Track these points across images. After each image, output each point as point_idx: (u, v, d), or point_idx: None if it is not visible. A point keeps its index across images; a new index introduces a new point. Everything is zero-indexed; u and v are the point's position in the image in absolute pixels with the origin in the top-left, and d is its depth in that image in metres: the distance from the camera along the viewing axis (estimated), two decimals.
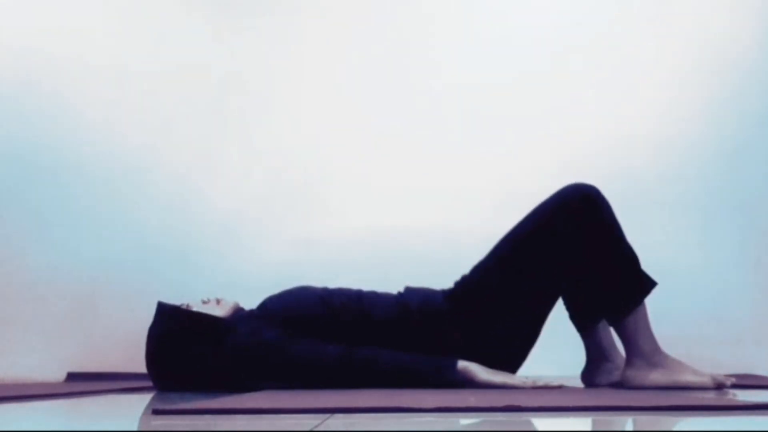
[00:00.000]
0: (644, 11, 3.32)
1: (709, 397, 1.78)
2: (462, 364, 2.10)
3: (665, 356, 2.14)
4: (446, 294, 2.26)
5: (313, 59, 3.29)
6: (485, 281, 2.22)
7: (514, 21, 3.33)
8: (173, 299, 2.37)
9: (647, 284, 2.14)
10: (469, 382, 2.09)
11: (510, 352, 2.22)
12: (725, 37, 3.28)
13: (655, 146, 3.23)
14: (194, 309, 2.33)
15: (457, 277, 2.28)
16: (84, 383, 2.65)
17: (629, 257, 2.15)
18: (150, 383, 2.35)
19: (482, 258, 2.26)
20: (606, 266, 2.14)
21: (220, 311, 2.31)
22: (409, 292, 2.30)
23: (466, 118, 3.25)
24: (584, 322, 2.32)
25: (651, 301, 2.16)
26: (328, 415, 1.35)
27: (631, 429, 1.30)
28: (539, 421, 1.35)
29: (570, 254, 2.16)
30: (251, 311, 2.32)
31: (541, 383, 2.07)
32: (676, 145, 3.23)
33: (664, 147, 3.23)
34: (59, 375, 2.96)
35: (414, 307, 2.23)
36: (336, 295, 2.27)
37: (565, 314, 2.35)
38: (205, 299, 2.36)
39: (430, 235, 3.13)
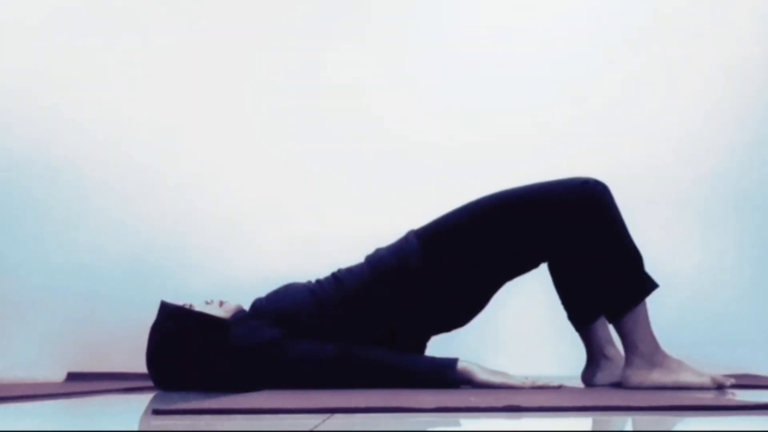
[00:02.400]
0: (649, 11, 3.31)
1: (709, 397, 1.79)
2: (461, 364, 2.11)
3: (665, 356, 2.14)
4: (419, 234, 2.26)
5: (313, 60, 3.28)
6: (465, 229, 2.21)
7: (516, 19, 3.33)
8: (173, 299, 2.38)
9: (649, 285, 2.14)
10: (468, 382, 2.10)
11: (462, 307, 2.25)
12: (728, 37, 3.28)
13: (655, 146, 3.23)
14: (197, 309, 2.33)
15: None
16: (84, 383, 2.65)
17: (634, 257, 2.15)
18: (150, 383, 2.35)
19: (465, 204, 2.25)
20: (610, 262, 2.14)
21: (222, 313, 2.32)
22: (378, 251, 2.32)
23: (466, 119, 3.24)
24: (582, 319, 2.32)
25: (651, 301, 2.16)
26: (328, 415, 1.35)
27: (631, 429, 1.30)
28: (539, 421, 1.35)
29: (568, 242, 2.16)
30: (249, 312, 2.33)
31: (540, 383, 2.07)
32: (676, 145, 3.23)
33: (663, 146, 3.23)
34: (59, 375, 2.97)
35: (385, 263, 2.24)
36: (318, 285, 2.29)
37: (565, 314, 2.36)
38: (209, 300, 2.37)
39: None
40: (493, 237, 2.19)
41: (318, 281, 2.33)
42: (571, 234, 2.15)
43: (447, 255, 2.20)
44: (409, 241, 2.25)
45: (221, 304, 2.35)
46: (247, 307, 2.37)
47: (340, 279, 2.28)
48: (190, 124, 3.24)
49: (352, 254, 3.08)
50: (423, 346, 2.33)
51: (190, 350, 2.27)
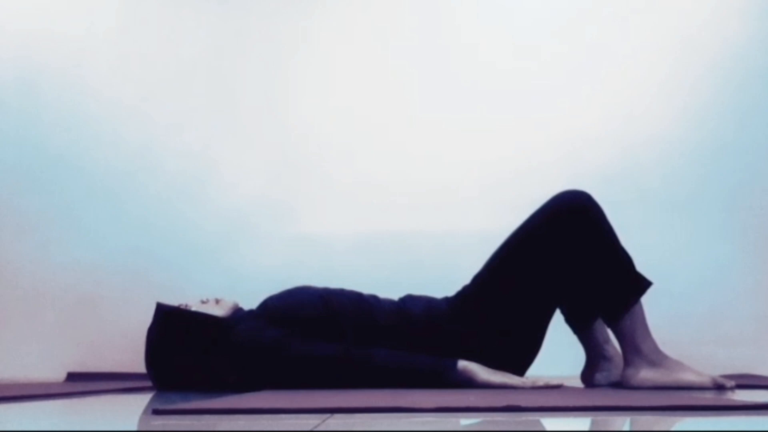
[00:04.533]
0: (638, 12, 3.31)
1: (709, 397, 1.79)
2: (462, 364, 2.11)
3: (665, 356, 2.14)
4: (450, 301, 2.27)
5: (314, 59, 3.28)
6: (486, 289, 2.24)
7: (511, 20, 3.33)
8: (173, 299, 2.37)
9: (642, 284, 2.15)
10: (468, 382, 2.09)
11: (514, 359, 2.23)
12: (728, 37, 3.28)
13: (654, 146, 3.23)
14: (193, 309, 2.33)
15: (458, 281, 2.29)
16: (84, 383, 2.65)
17: (623, 259, 2.16)
18: (150, 383, 2.34)
19: (482, 266, 2.28)
20: (601, 268, 2.16)
21: (219, 311, 2.31)
22: (411, 299, 2.31)
23: (465, 119, 3.24)
24: (579, 324, 2.33)
25: (651, 302, 2.16)
26: (328, 415, 1.35)
27: (631, 429, 1.30)
28: (539, 421, 1.35)
29: (565, 259, 2.17)
30: (251, 311, 2.33)
31: (540, 383, 2.07)
32: (675, 146, 3.23)
33: (663, 147, 3.23)
34: (59, 375, 2.97)
35: (416, 315, 2.24)
36: (336, 296, 2.28)
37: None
38: (204, 299, 2.36)
39: (430, 237, 3.12)
40: (517, 283, 2.20)
41: (342, 291, 2.31)
42: (564, 246, 2.16)
43: (476, 316, 2.21)
44: (440, 303, 2.28)
45: (217, 301, 2.35)
46: (243, 304, 2.37)
47: (365, 301, 2.27)
48: (191, 123, 3.25)
49: (354, 254, 3.10)
50: None
51: (187, 351, 2.26)
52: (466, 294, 2.27)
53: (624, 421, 1.37)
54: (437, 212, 3.16)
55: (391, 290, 2.34)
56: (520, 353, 2.24)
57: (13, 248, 3.14)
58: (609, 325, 2.20)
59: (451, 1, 3.37)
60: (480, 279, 2.27)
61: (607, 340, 2.34)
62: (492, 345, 2.20)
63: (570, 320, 2.34)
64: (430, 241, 3.11)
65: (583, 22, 3.31)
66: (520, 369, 2.25)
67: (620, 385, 2.19)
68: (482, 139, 3.22)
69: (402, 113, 3.25)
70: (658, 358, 2.13)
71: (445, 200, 3.18)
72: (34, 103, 3.22)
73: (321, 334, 2.21)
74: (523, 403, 1.47)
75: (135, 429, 1.37)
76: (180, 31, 3.29)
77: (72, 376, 2.94)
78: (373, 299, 2.30)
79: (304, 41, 3.30)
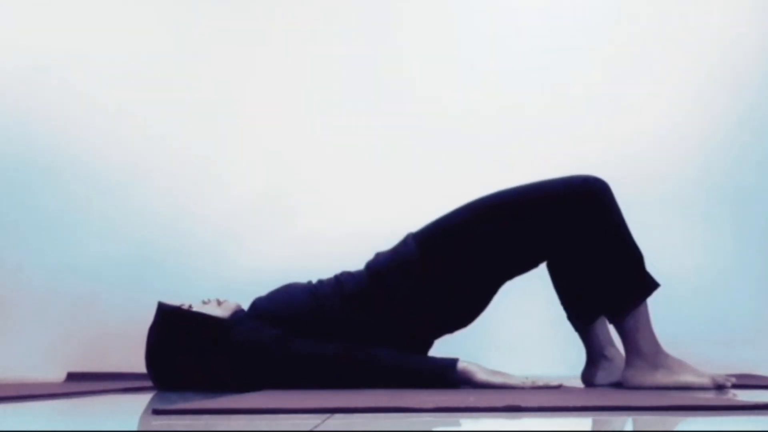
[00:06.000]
0: (644, 10, 3.32)
1: (709, 397, 1.79)
2: (462, 364, 2.11)
3: (666, 356, 2.14)
4: (417, 236, 2.25)
5: (314, 58, 3.28)
6: (463, 230, 2.20)
7: (516, 16, 3.33)
8: (173, 299, 2.37)
9: (650, 285, 2.14)
10: (468, 382, 2.10)
11: (463, 309, 2.24)
12: (728, 35, 3.28)
13: (656, 146, 3.23)
14: (195, 309, 2.33)
15: None
16: (84, 383, 2.65)
17: (635, 255, 2.14)
18: (150, 383, 2.35)
19: (463, 205, 2.25)
20: (611, 261, 2.14)
21: (220, 312, 2.32)
22: (377, 256, 2.31)
23: (464, 119, 3.24)
24: (582, 319, 2.32)
25: (651, 302, 2.16)
26: (328, 415, 1.35)
27: (631, 429, 1.30)
28: (539, 421, 1.35)
29: (567, 241, 2.16)
30: (248, 312, 2.33)
31: (540, 383, 2.07)
32: (677, 145, 3.23)
33: (664, 147, 3.23)
34: (59, 375, 2.96)
35: (384, 269, 2.24)
36: (320, 288, 2.29)
37: (565, 314, 2.35)
38: (206, 300, 2.37)
39: None
40: (492, 237, 2.18)
41: (320, 282, 2.32)
42: (571, 232, 2.15)
43: (446, 257, 2.19)
44: (407, 244, 2.25)
45: (219, 303, 2.35)
46: (244, 305, 2.37)
47: (341, 281, 2.28)
48: (189, 123, 3.25)
49: (354, 253, 3.09)
50: (426, 349, 2.32)
51: (187, 350, 2.26)
52: (442, 231, 2.23)
53: (625, 421, 1.37)
54: (437, 212, 3.15)
55: None
56: (469, 307, 2.24)
57: (13, 248, 3.14)
58: (612, 322, 2.20)
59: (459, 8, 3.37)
60: (463, 220, 2.22)
61: (610, 341, 2.34)
62: (450, 291, 2.19)
63: (572, 317, 2.33)
64: None
65: (585, 21, 3.31)
66: (460, 323, 2.27)
67: (620, 385, 2.19)
68: (482, 139, 3.22)
69: (403, 112, 3.25)
70: (659, 359, 2.12)
71: (445, 200, 3.17)
72: (33, 104, 3.22)
73: (314, 327, 2.21)
74: (523, 403, 1.47)
75: (135, 429, 1.37)
76: (181, 30, 3.29)
77: (72, 376, 2.94)
78: (347, 273, 2.30)
79: (304, 41, 3.30)
